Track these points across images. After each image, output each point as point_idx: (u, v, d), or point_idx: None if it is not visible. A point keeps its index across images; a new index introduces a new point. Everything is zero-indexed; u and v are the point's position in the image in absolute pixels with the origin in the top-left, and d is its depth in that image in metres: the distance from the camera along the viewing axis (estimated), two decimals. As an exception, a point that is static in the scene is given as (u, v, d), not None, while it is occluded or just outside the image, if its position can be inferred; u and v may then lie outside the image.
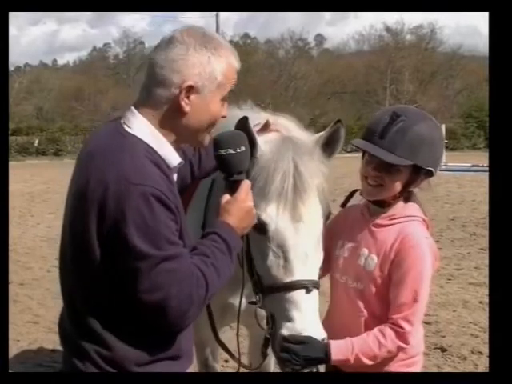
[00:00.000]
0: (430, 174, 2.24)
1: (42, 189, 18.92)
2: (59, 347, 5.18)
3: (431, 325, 5.58)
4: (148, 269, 1.68)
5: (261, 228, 2.12)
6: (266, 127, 2.33)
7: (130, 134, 1.81)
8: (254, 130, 2.21)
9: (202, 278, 1.77)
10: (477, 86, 51.11)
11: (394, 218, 2.27)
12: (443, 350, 5.02)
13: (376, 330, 2.18)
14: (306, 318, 2.07)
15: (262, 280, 2.18)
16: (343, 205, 2.44)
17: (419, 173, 2.22)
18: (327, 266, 2.34)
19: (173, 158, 1.88)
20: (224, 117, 1.94)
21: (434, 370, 4.63)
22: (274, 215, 2.11)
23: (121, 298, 1.75)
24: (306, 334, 2.05)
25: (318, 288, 2.14)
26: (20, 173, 21.66)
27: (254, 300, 2.26)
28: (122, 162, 1.72)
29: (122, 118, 1.88)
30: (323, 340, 2.10)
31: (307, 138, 2.28)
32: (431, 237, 2.32)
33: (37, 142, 39.12)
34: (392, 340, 2.15)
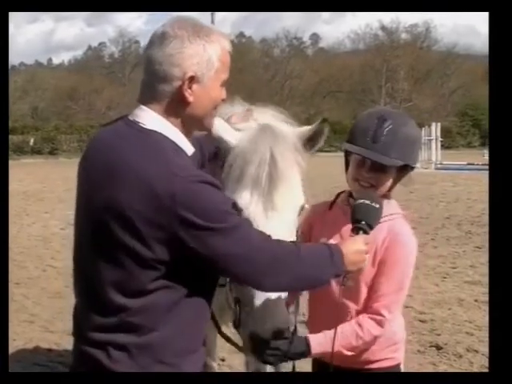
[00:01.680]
0: (412, 169, 2.35)
1: (38, 188, 18.92)
2: (55, 347, 5.18)
3: (427, 323, 5.60)
4: (223, 243, 1.75)
5: (237, 213, 2.13)
6: (246, 117, 2.41)
7: (149, 129, 1.84)
8: (235, 118, 2.39)
9: (294, 252, 1.90)
10: (472, 84, 51.30)
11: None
12: (439, 347, 5.03)
13: (353, 321, 2.24)
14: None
15: None
16: (331, 207, 2.47)
17: (406, 170, 2.32)
18: None
19: (188, 148, 1.92)
20: (224, 100, 1.99)
21: (430, 367, 4.64)
22: (247, 202, 2.13)
23: (176, 285, 1.79)
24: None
25: None
26: (15, 172, 21.63)
27: (223, 283, 2.24)
28: (159, 159, 1.76)
29: (127, 116, 1.90)
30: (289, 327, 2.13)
31: (287, 129, 2.30)
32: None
33: (32, 141, 39.16)
34: (369, 332, 2.21)
